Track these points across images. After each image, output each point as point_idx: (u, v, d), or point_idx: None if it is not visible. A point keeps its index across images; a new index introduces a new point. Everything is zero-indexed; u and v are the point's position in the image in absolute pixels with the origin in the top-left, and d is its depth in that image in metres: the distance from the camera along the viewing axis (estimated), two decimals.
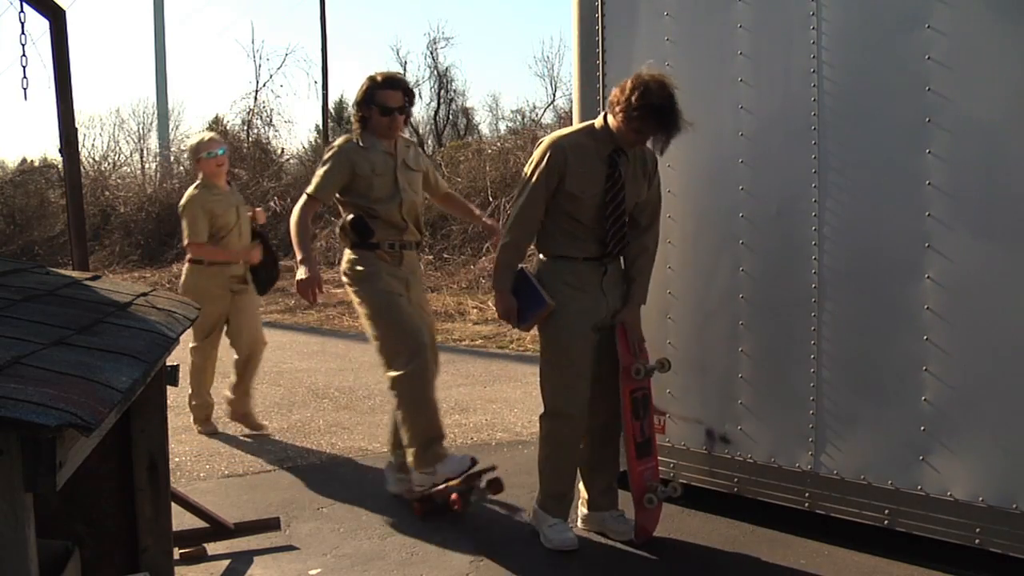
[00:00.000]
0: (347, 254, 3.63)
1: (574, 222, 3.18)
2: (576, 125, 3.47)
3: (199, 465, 4.43)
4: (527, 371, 6.33)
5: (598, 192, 3.13)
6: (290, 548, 3.30)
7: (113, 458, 2.36)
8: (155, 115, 20.81)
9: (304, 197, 3.60)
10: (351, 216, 3.55)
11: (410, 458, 3.48)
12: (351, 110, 3.71)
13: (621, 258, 3.30)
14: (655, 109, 2.99)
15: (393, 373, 3.45)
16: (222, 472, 4.32)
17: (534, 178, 3.15)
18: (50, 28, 3.01)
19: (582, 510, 3.40)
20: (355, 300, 3.60)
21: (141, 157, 21.19)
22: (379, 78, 3.60)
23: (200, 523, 3.28)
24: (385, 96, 3.57)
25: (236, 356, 5.00)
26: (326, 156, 3.62)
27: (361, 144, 3.60)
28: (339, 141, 3.67)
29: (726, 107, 3.34)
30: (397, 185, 3.60)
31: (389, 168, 3.59)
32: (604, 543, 3.27)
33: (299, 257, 3.53)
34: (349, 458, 4.52)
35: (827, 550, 3.13)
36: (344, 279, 3.66)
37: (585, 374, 3.20)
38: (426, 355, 3.48)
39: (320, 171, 3.59)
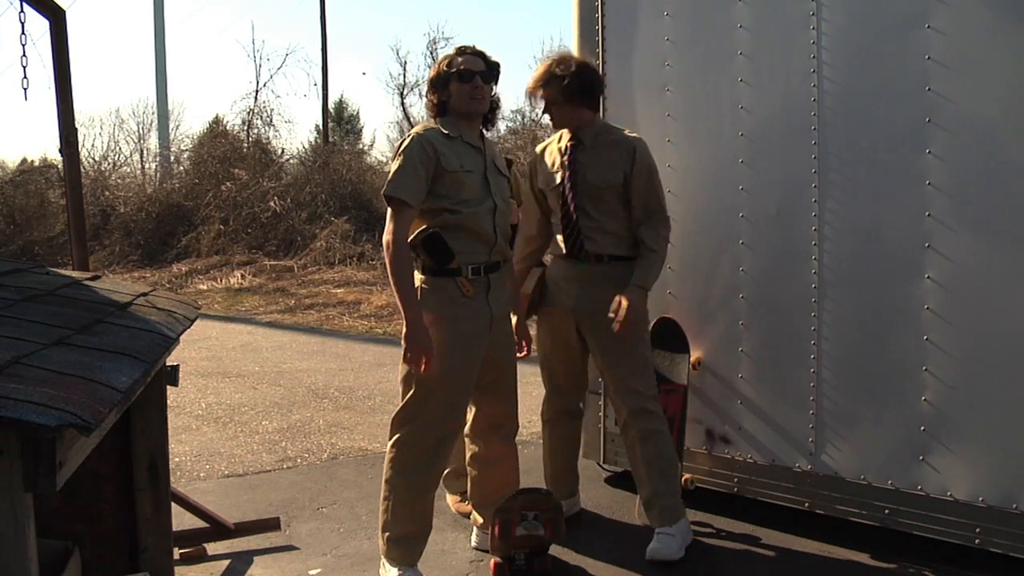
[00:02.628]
0: (416, 279, 2.85)
1: (549, 219, 3.35)
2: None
3: (199, 465, 4.43)
4: (526, 371, 6.31)
5: (560, 181, 3.23)
6: (290, 548, 3.30)
7: (113, 458, 2.36)
8: (155, 115, 20.83)
9: (391, 209, 2.76)
10: (425, 230, 2.79)
11: (380, 543, 2.93)
12: (424, 99, 3.02)
13: (607, 261, 3.21)
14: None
15: (401, 435, 2.86)
16: (222, 472, 4.32)
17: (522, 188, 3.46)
18: (50, 28, 3.01)
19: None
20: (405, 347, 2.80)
21: (141, 157, 21.20)
22: (453, 51, 2.97)
23: (200, 523, 3.28)
24: (465, 61, 2.88)
25: None
26: (403, 146, 2.81)
27: (446, 132, 2.87)
28: (417, 128, 2.90)
29: (726, 107, 3.34)
30: (488, 187, 2.90)
31: (479, 165, 2.89)
32: (603, 543, 3.27)
33: (403, 308, 2.75)
34: (349, 458, 4.52)
35: (827, 550, 3.13)
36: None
37: (566, 365, 3.35)
38: (453, 441, 2.96)
39: (399, 166, 2.77)
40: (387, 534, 2.89)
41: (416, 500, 2.89)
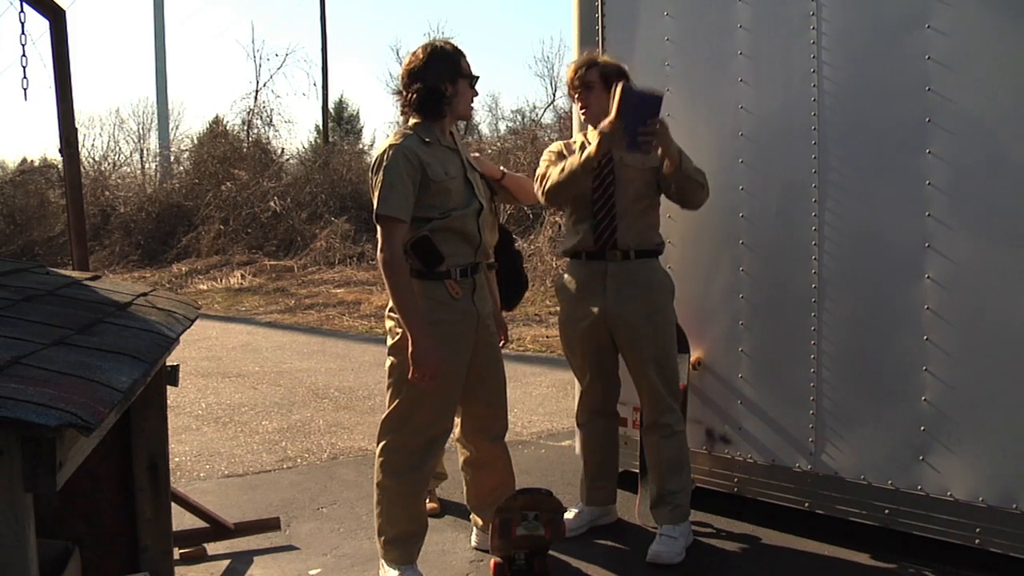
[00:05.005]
0: None
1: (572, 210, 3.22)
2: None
3: (199, 465, 4.43)
4: (526, 371, 6.31)
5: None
6: (290, 548, 3.30)
7: (113, 458, 2.36)
8: (155, 115, 20.89)
9: (382, 226, 2.68)
10: (414, 235, 2.74)
11: (378, 547, 2.91)
12: (409, 89, 2.80)
13: (636, 258, 3.18)
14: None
15: (391, 439, 2.85)
16: (222, 472, 4.32)
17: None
18: (50, 28, 3.01)
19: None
20: (391, 355, 2.87)
21: (141, 157, 21.29)
22: (448, 47, 2.83)
23: (200, 523, 3.28)
24: (469, 64, 2.84)
25: None
26: (386, 162, 2.69)
27: (426, 140, 2.77)
28: (393, 139, 2.76)
29: (726, 107, 3.34)
30: (472, 188, 2.87)
31: (458, 168, 2.84)
32: (603, 543, 3.27)
33: (408, 324, 2.70)
34: (349, 458, 4.52)
35: (827, 550, 3.13)
36: (390, 321, 2.86)
37: (597, 370, 3.26)
38: (444, 441, 2.96)
39: (388, 183, 2.67)
40: (383, 537, 2.87)
41: (410, 500, 2.87)
